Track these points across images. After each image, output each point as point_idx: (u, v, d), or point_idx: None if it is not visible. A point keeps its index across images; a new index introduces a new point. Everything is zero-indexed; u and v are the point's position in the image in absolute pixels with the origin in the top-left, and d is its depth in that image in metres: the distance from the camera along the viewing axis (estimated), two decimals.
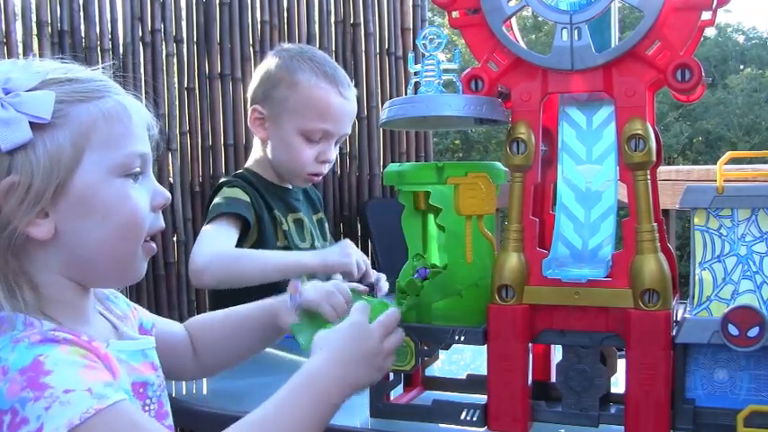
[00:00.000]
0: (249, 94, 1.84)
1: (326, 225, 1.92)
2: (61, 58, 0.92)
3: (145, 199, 0.91)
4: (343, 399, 0.90)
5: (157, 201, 0.93)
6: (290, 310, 1.10)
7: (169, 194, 0.95)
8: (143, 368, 0.93)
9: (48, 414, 0.76)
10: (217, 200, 1.67)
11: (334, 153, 1.76)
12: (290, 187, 1.81)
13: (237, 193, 1.67)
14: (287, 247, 1.70)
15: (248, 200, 1.66)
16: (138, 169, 0.91)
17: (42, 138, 0.83)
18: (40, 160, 0.83)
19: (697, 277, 0.97)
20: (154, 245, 0.95)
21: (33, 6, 2.75)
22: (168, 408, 0.97)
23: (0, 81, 0.84)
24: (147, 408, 0.92)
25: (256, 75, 1.82)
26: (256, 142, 1.82)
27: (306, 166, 1.72)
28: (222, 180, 1.77)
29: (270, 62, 1.79)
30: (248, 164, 1.84)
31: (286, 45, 1.92)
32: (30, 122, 0.83)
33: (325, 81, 1.72)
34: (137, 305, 1.08)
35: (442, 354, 1.25)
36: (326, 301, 1.11)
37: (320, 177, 1.79)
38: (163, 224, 0.95)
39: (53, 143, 0.84)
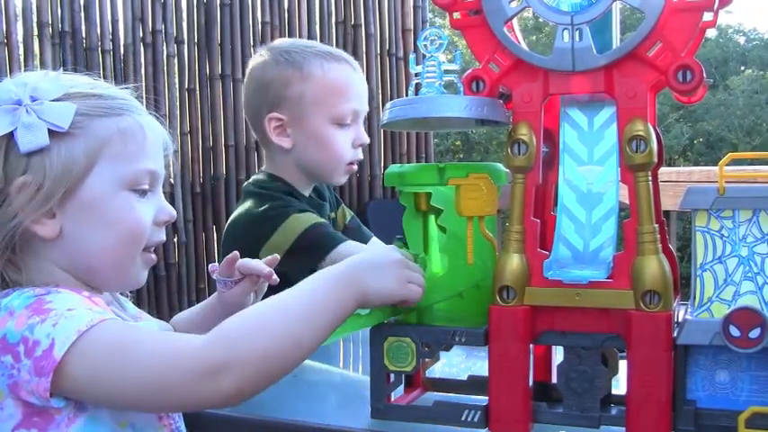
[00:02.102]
0: (252, 106, 1.69)
1: (341, 222, 1.81)
2: (88, 73, 0.99)
3: (149, 213, 0.97)
4: (358, 292, 0.93)
5: (161, 217, 0.99)
6: (223, 289, 1.16)
7: (174, 213, 1.02)
8: None
9: (56, 329, 0.82)
10: (320, 237, 1.54)
11: (366, 134, 1.68)
12: (306, 195, 1.71)
13: (312, 219, 1.57)
14: None
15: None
16: (146, 185, 0.96)
17: (59, 145, 0.90)
18: (53, 165, 0.89)
19: (698, 278, 0.97)
20: (154, 256, 1.01)
21: (34, 7, 2.76)
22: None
23: (29, 89, 0.90)
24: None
25: (254, 83, 1.68)
26: (273, 154, 1.68)
27: (345, 156, 1.64)
28: (276, 205, 1.60)
29: (265, 65, 1.67)
30: (271, 171, 1.69)
31: (269, 45, 1.77)
32: (49, 129, 0.89)
33: (335, 61, 1.64)
34: (141, 311, 1.11)
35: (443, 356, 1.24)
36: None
37: (356, 165, 1.70)
38: (164, 238, 1.01)
39: (68, 151, 0.90)
